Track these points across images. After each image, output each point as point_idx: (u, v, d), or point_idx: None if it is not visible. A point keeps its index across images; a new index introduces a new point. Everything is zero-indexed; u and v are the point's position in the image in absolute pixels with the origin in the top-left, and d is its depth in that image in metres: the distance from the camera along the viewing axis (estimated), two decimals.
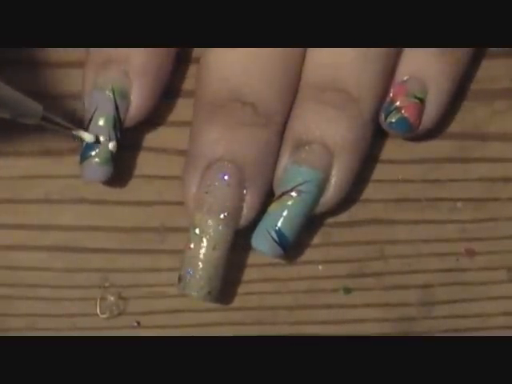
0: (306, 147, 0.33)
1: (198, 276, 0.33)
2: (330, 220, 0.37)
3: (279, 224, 0.33)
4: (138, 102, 0.33)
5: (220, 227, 0.33)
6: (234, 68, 0.33)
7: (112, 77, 0.33)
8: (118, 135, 0.33)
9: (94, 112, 0.33)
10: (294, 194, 0.33)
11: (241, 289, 0.37)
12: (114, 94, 0.33)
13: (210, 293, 0.33)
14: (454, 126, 0.37)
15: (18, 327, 0.36)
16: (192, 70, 0.36)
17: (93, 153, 0.33)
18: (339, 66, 0.33)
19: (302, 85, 0.34)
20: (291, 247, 0.34)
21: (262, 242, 0.33)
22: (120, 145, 0.34)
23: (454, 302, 0.37)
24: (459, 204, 0.37)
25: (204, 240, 0.33)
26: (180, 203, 0.35)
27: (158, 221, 0.36)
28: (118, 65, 0.33)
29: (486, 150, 0.37)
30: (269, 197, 0.34)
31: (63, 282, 0.36)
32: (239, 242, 0.34)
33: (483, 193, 0.37)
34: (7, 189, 0.36)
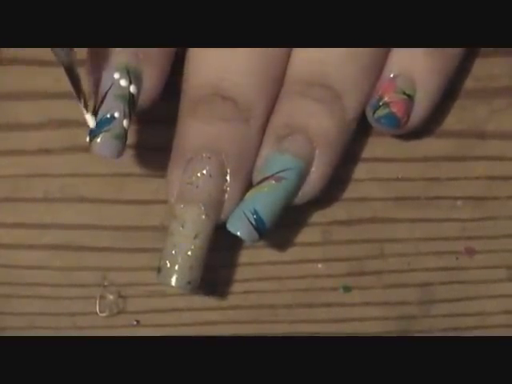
0: (289, 137, 0.33)
1: (177, 266, 0.33)
2: (330, 218, 0.37)
3: (257, 207, 0.33)
4: (149, 86, 0.33)
5: (201, 218, 0.33)
6: (215, 63, 0.33)
7: (126, 58, 0.32)
8: (132, 113, 0.33)
9: (108, 89, 0.32)
10: (273, 180, 0.33)
11: (240, 287, 0.37)
12: (128, 73, 0.32)
13: (189, 283, 0.33)
14: (454, 125, 0.37)
15: (17, 326, 0.36)
16: None
17: (107, 128, 0.33)
18: (325, 62, 0.33)
19: (287, 79, 0.34)
20: (267, 233, 0.33)
21: (238, 225, 0.33)
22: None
23: (454, 300, 0.37)
24: (459, 202, 0.37)
25: (185, 230, 0.33)
26: None
27: (157, 219, 0.36)
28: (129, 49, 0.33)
29: (485, 148, 0.37)
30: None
31: (62, 280, 0.36)
32: (238, 241, 0.34)
33: (483, 191, 0.37)
34: (6, 187, 0.36)
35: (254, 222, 0.33)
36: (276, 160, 0.33)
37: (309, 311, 0.37)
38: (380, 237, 0.37)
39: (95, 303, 0.36)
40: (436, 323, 0.37)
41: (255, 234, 0.33)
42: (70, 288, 0.36)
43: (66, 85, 0.35)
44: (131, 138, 0.36)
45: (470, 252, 0.37)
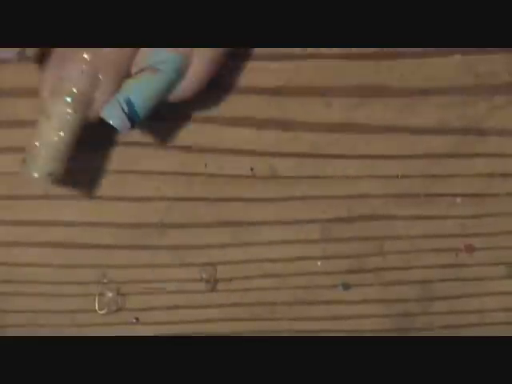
0: None
1: (40, 157, 0.33)
2: (329, 215, 0.37)
3: (131, 97, 0.33)
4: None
5: (67, 111, 0.33)
6: None
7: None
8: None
9: None
10: (149, 71, 0.33)
11: (239, 285, 0.37)
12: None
13: (50, 174, 0.33)
14: (454, 122, 0.37)
15: (17, 323, 0.36)
16: None
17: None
18: None
19: None
20: (139, 123, 0.33)
21: (111, 114, 0.33)
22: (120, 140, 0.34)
23: (453, 297, 0.37)
24: (458, 199, 0.37)
25: (50, 122, 0.33)
26: (178, 199, 0.35)
27: (156, 216, 0.36)
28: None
29: (485, 145, 0.37)
30: None
31: (62, 277, 0.36)
32: (238, 239, 0.34)
33: (482, 188, 0.37)
34: (6, 185, 0.36)
35: (127, 111, 0.33)
36: (155, 53, 0.33)
37: (308, 308, 0.37)
38: (380, 234, 0.37)
39: (94, 301, 0.36)
40: (435, 320, 0.37)
41: (127, 123, 0.33)
42: (69, 285, 0.36)
43: None
44: (130, 134, 0.36)
45: (470, 249, 0.37)
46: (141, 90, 0.33)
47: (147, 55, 0.33)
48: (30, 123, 0.35)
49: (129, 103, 0.33)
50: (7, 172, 0.36)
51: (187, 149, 0.36)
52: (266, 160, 0.36)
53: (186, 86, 0.34)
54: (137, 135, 0.36)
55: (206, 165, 0.36)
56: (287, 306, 0.37)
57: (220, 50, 0.34)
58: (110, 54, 0.33)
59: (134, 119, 0.33)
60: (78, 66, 0.33)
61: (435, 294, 0.37)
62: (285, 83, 0.36)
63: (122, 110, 0.33)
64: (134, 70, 0.33)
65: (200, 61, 0.33)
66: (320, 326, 0.37)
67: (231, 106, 0.36)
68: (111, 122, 0.33)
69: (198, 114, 0.36)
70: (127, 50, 0.33)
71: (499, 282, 0.38)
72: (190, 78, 0.34)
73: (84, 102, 0.33)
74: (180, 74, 0.33)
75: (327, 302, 0.37)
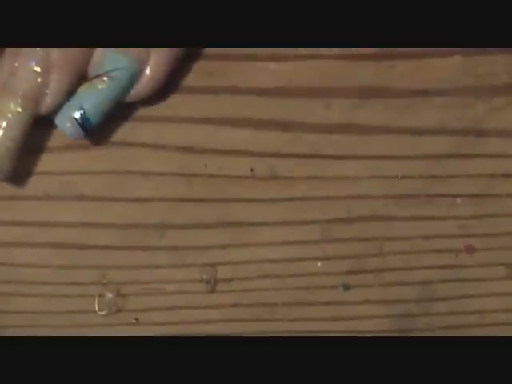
0: None
1: None
2: (330, 216, 0.37)
3: (84, 105, 0.33)
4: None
5: (17, 109, 0.33)
6: None
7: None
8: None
9: None
10: (105, 78, 0.33)
11: (239, 285, 0.37)
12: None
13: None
14: (453, 123, 0.37)
15: (17, 324, 0.36)
16: (189, 66, 0.36)
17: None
18: None
19: None
20: (93, 131, 0.34)
21: (65, 121, 0.33)
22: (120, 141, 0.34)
23: (454, 298, 0.37)
24: (458, 200, 0.37)
25: None
26: (178, 200, 0.35)
27: (156, 217, 0.36)
28: None
29: (485, 146, 0.37)
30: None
31: (62, 278, 0.36)
32: (238, 240, 0.34)
33: (483, 189, 0.37)
34: (6, 185, 0.36)
35: (79, 120, 0.33)
36: (110, 58, 0.33)
37: (308, 309, 0.37)
38: (380, 235, 0.37)
39: (94, 301, 0.36)
40: (436, 321, 0.37)
41: (80, 132, 0.33)
42: (69, 286, 0.36)
43: None
44: (130, 135, 0.36)
45: (470, 250, 0.37)
46: (93, 98, 0.33)
47: (101, 61, 0.33)
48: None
49: (82, 113, 0.33)
50: None
51: (187, 149, 0.36)
52: (266, 161, 0.36)
53: (140, 90, 0.34)
54: (135, 136, 0.36)
55: (205, 165, 0.36)
56: (287, 306, 0.37)
57: (175, 53, 0.34)
58: (64, 53, 0.33)
59: (86, 127, 0.33)
60: (30, 63, 0.32)
61: (435, 294, 0.37)
62: (285, 84, 0.36)
63: (75, 118, 0.33)
64: (90, 72, 0.34)
65: (155, 65, 0.34)
66: (320, 327, 0.37)
67: (231, 106, 0.36)
68: (64, 130, 0.33)
69: (198, 115, 0.36)
70: (82, 50, 0.33)
71: (499, 282, 0.38)
72: (144, 82, 0.34)
73: (34, 99, 0.33)
74: (134, 79, 0.34)
75: (327, 303, 0.37)
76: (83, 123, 0.33)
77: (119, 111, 0.35)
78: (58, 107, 0.33)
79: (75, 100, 0.33)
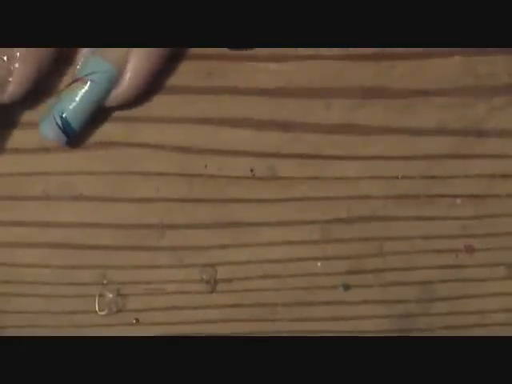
0: None
1: None
2: (330, 216, 0.37)
3: (65, 112, 0.33)
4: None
5: None
6: None
7: None
8: None
9: None
10: (83, 83, 0.33)
11: (240, 285, 0.37)
12: None
13: None
14: (453, 123, 0.37)
15: (17, 324, 0.36)
16: (189, 66, 0.36)
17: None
18: None
19: None
20: (76, 135, 0.34)
21: (47, 127, 0.34)
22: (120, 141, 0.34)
23: (454, 298, 0.37)
24: (458, 200, 0.37)
25: None
26: (178, 200, 0.35)
27: (156, 217, 0.36)
28: None
29: (485, 146, 0.37)
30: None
31: (62, 278, 0.36)
32: (238, 240, 0.34)
33: (483, 189, 0.37)
34: (6, 186, 0.36)
35: (61, 126, 0.33)
36: (89, 61, 0.33)
37: (308, 309, 0.37)
38: (380, 235, 0.37)
39: (95, 302, 0.36)
40: (436, 321, 0.37)
41: (63, 137, 0.34)
42: (69, 286, 0.36)
43: (65, 82, 0.35)
44: (130, 135, 0.36)
45: (470, 250, 0.37)
46: (74, 103, 0.33)
47: (82, 62, 0.33)
48: (30, 124, 0.35)
49: (63, 119, 0.33)
50: (7, 173, 0.36)
51: (187, 150, 0.36)
52: (266, 161, 0.36)
53: (119, 94, 0.34)
54: (135, 136, 0.36)
55: (205, 166, 0.36)
56: (287, 306, 0.37)
57: (155, 55, 0.34)
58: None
59: (68, 133, 0.34)
60: None
61: (435, 294, 0.37)
62: (285, 84, 0.36)
63: (57, 124, 0.33)
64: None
65: (134, 69, 0.34)
66: (320, 327, 0.37)
67: (231, 106, 0.36)
68: (47, 136, 0.34)
69: (198, 115, 0.36)
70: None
71: (499, 282, 0.38)
72: (124, 86, 0.34)
73: None
74: (113, 82, 0.34)
75: (327, 303, 0.37)
76: (64, 128, 0.33)
77: (119, 111, 0.35)
78: (20, 98, 0.33)
79: (56, 108, 0.33)
